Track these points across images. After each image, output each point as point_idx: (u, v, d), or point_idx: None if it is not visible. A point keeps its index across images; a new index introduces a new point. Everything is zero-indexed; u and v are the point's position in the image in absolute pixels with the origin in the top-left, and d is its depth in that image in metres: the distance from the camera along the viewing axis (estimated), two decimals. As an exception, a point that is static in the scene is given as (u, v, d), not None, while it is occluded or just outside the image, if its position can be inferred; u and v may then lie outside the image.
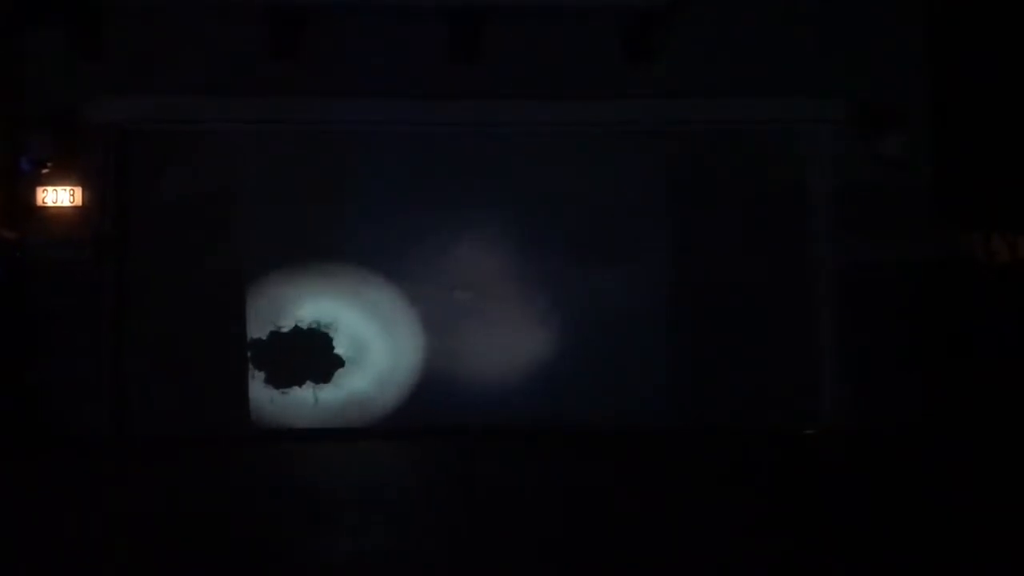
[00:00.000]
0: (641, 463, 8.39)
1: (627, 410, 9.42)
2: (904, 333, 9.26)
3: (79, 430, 8.99)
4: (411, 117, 9.44)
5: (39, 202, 9.18)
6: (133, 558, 5.84)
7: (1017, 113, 9.67)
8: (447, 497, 7.37)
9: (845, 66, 9.43)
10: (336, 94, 9.33)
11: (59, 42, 9.18)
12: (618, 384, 9.49)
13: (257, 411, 9.54)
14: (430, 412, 9.47)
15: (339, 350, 9.66)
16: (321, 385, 9.62)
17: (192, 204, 9.47)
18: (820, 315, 9.55)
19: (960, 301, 9.37)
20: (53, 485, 7.62)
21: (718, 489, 7.43)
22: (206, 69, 9.28)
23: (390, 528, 6.49)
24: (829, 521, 6.51)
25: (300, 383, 9.62)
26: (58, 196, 9.18)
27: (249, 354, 9.58)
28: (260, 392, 9.57)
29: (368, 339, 9.67)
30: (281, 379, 9.61)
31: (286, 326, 9.64)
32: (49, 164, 9.10)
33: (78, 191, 9.22)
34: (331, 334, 9.66)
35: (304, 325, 9.65)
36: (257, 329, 9.60)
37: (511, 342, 9.59)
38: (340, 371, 9.64)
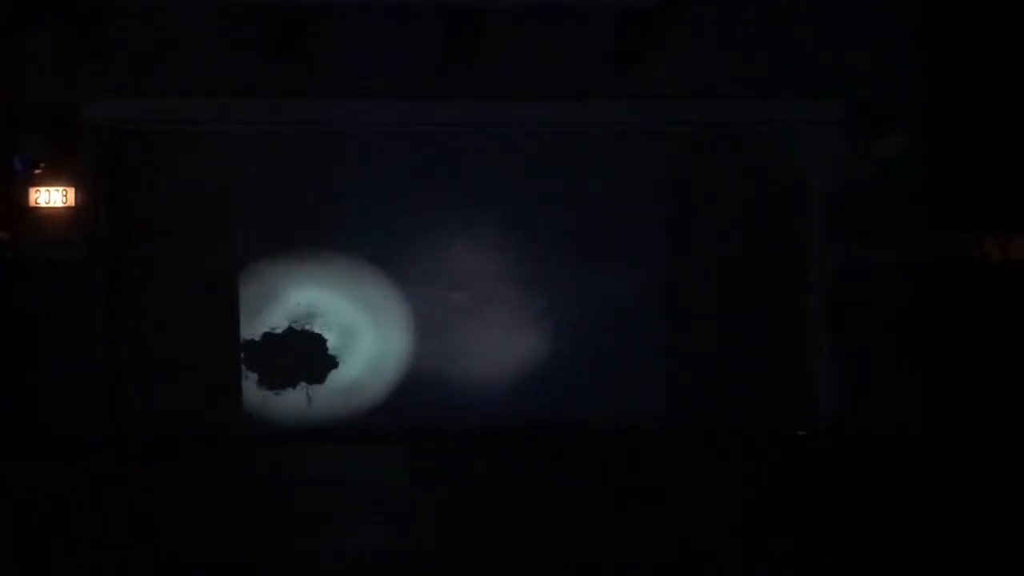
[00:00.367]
0: (638, 464, 8.40)
1: (624, 411, 9.42)
2: (901, 333, 9.30)
3: (74, 430, 8.96)
4: (409, 117, 9.43)
5: (32, 202, 9.12)
6: (128, 559, 5.82)
7: (1012, 115, 9.73)
8: (444, 498, 7.37)
9: (842, 68, 9.46)
10: (334, 94, 9.31)
11: (55, 42, 9.11)
12: (615, 385, 9.49)
13: (251, 412, 9.50)
14: (426, 413, 9.43)
15: (333, 351, 9.61)
16: (315, 386, 9.57)
17: (188, 204, 9.43)
18: (817, 316, 9.58)
19: (956, 302, 9.41)
20: (48, 486, 7.58)
21: (717, 490, 7.45)
22: (203, 69, 9.25)
23: (386, 529, 6.49)
24: (828, 522, 6.54)
25: (294, 384, 9.57)
26: (51, 196, 9.13)
27: (243, 355, 9.53)
28: (254, 393, 9.52)
29: (364, 340, 9.62)
30: (275, 380, 9.57)
31: (280, 327, 9.59)
32: (42, 164, 9.04)
33: (71, 191, 9.16)
34: (326, 335, 9.61)
35: (299, 326, 9.61)
36: (251, 330, 9.55)
37: (508, 343, 9.58)
38: (334, 372, 9.59)
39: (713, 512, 6.79)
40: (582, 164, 9.64)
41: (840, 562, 5.71)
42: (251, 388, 9.52)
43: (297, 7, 9.12)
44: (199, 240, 9.43)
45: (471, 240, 9.63)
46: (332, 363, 9.60)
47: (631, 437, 9.10)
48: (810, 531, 6.32)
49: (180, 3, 9.12)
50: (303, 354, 9.59)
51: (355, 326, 9.62)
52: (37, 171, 9.06)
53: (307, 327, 9.61)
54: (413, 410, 9.51)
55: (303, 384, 9.59)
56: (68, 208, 9.16)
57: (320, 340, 9.61)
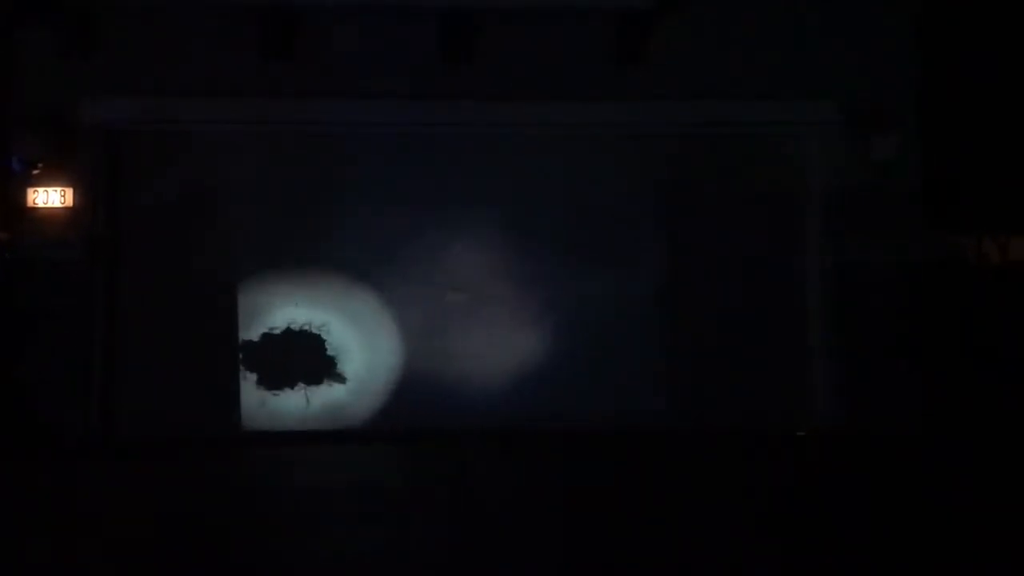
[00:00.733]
0: (638, 465, 8.39)
1: (624, 412, 9.40)
2: (898, 335, 9.30)
3: (70, 432, 8.94)
4: (408, 118, 9.41)
5: (30, 203, 9.12)
6: (123, 561, 5.81)
7: (1008, 116, 9.75)
8: (443, 500, 7.35)
9: (840, 68, 9.47)
10: (332, 94, 9.29)
11: (53, 42, 9.09)
12: (615, 385, 9.48)
13: (249, 413, 9.47)
14: (425, 413, 9.42)
15: (331, 351, 9.60)
16: (313, 387, 9.57)
17: (187, 205, 9.42)
18: (816, 316, 9.57)
19: (954, 303, 9.43)
20: (42, 487, 7.57)
21: (718, 490, 7.46)
22: (202, 69, 9.24)
23: (385, 530, 6.48)
24: (830, 523, 6.53)
25: (292, 385, 9.56)
26: (49, 197, 9.12)
27: (241, 355, 9.52)
28: (252, 394, 9.50)
29: (361, 340, 9.61)
30: (273, 381, 9.55)
31: (278, 327, 9.58)
32: (40, 165, 9.04)
33: (69, 192, 9.16)
34: (323, 335, 9.60)
35: (296, 326, 9.60)
36: (249, 330, 9.54)
37: (508, 343, 9.57)
38: (333, 372, 9.58)
39: (714, 513, 6.80)
40: (582, 164, 9.63)
41: (842, 563, 5.71)
42: (249, 389, 9.50)
43: (295, 7, 9.10)
44: (197, 240, 9.42)
45: (471, 240, 9.62)
46: (331, 363, 9.59)
47: (630, 438, 9.08)
48: (812, 532, 6.33)
49: (178, 3, 9.11)
50: (302, 355, 9.57)
51: (354, 326, 9.61)
52: (35, 171, 9.07)
53: (305, 328, 9.59)
54: (412, 410, 9.50)
55: (301, 385, 9.56)
56: (66, 208, 9.15)
57: (319, 340, 9.60)
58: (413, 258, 9.58)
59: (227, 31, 9.21)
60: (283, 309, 9.58)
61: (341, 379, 9.57)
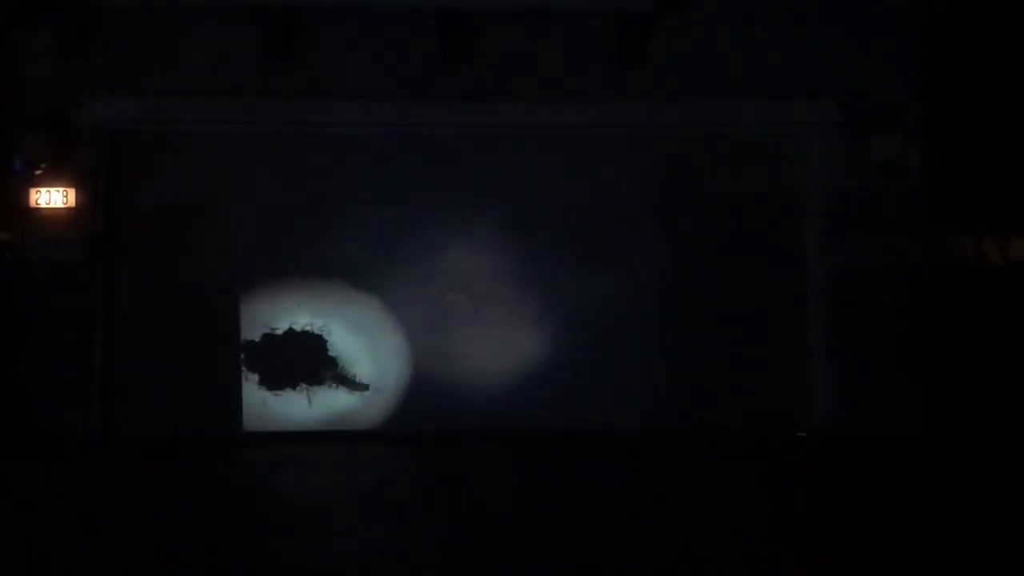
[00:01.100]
0: (637, 467, 8.39)
1: (622, 413, 9.42)
2: (898, 336, 9.30)
3: (70, 432, 8.97)
4: (408, 118, 9.43)
5: (32, 203, 9.14)
6: (125, 561, 5.82)
7: (1009, 116, 9.75)
8: (443, 501, 7.35)
9: (840, 69, 9.48)
10: (332, 95, 9.31)
11: (52, 43, 9.14)
12: (613, 386, 9.49)
13: (251, 413, 9.49)
14: (424, 415, 9.45)
15: (333, 352, 9.61)
16: (315, 387, 9.58)
17: (186, 205, 9.44)
18: (815, 316, 9.58)
19: (954, 304, 9.42)
20: (42, 487, 7.60)
21: (716, 492, 7.45)
22: (200, 70, 9.27)
23: (385, 532, 6.47)
24: (831, 525, 6.53)
25: (294, 385, 9.57)
26: (51, 197, 9.15)
27: (243, 356, 9.54)
28: (254, 394, 9.51)
29: (362, 341, 9.62)
30: (275, 381, 9.56)
31: (280, 328, 9.59)
32: (42, 165, 9.06)
33: (71, 192, 9.18)
34: (325, 336, 9.61)
35: (298, 327, 9.60)
36: (251, 331, 9.55)
37: (508, 344, 9.58)
38: (334, 373, 9.59)
39: (716, 515, 6.78)
40: (581, 165, 9.65)
41: (846, 564, 5.71)
42: (251, 389, 9.51)
43: (295, 7, 9.14)
44: (198, 240, 9.44)
45: (471, 241, 9.63)
46: (332, 364, 9.60)
47: (631, 438, 9.11)
48: (810, 534, 6.32)
49: (178, 4, 9.13)
50: (303, 355, 9.59)
51: (355, 327, 9.62)
52: (37, 172, 9.08)
53: (307, 328, 9.60)
54: (413, 411, 9.52)
55: (303, 385, 9.57)
56: (68, 209, 9.17)
57: (320, 341, 9.61)
58: (413, 258, 9.60)
59: (227, 31, 9.24)
60: (284, 309, 9.59)
61: (342, 380, 9.57)
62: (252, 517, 6.78)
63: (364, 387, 9.57)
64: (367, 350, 9.63)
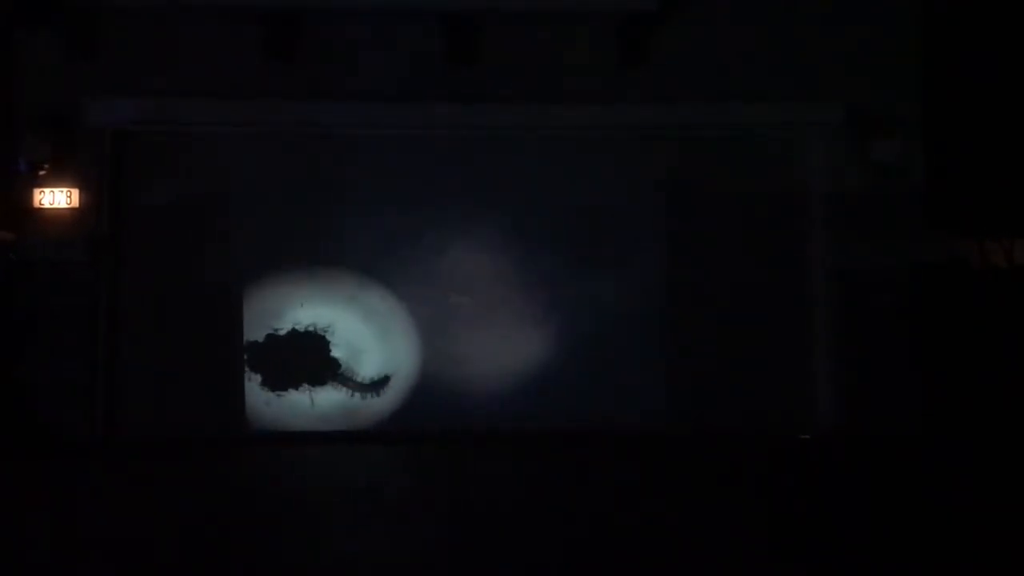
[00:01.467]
0: (639, 468, 8.38)
1: (623, 414, 9.42)
2: (900, 337, 9.29)
3: (73, 432, 8.97)
4: (410, 120, 9.46)
5: (36, 204, 9.17)
6: (125, 561, 5.82)
7: (1011, 119, 9.74)
8: (444, 501, 7.35)
9: (842, 70, 9.47)
10: (332, 96, 9.33)
11: (55, 44, 9.17)
12: (614, 388, 9.49)
13: (253, 414, 9.51)
14: (426, 416, 9.46)
15: (335, 353, 9.62)
16: (318, 388, 9.59)
17: (190, 205, 9.47)
18: (818, 318, 9.58)
19: (955, 305, 9.42)
20: (44, 488, 7.61)
21: (717, 494, 7.43)
22: (203, 71, 9.29)
23: (386, 534, 6.47)
24: (829, 526, 6.51)
25: (297, 386, 9.59)
26: (55, 198, 9.18)
27: (245, 356, 9.55)
28: (256, 394, 9.53)
29: (364, 342, 9.64)
30: (278, 382, 9.58)
31: (282, 328, 9.61)
32: (46, 166, 9.08)
33: (75, 193, 9.21)
34: (327, 337, 9.63)
35: (301, 328, 9.62)
36: (253, 331, 9.57)
37: (510, 345, 9.60)
38: (337, 374, 9.60)
39: (714, 516, 6.78)
40: (584, 166, 9.66)
41: (847, 566, 5.71)
42: (254, 390, 9.53)
43: (296, 9, 9.16)
44: (201, 241, 9.47)
45: (473, 243, 9.65)
46: (335, 365, 9.61)
47: (630, 440, 9.11)
48: (811, 536, 6.31)
49: (179, 5, 9.16)
50: (306, 356, 9.61)
51: (357, 328, 9.63)
52: (41, 172, 9.10)
53: (309, 329, 9.62)
54: (415, 411, 9.54)
55: (306, 386, 9.58)
56: (72, 209, 9.20)
57: (323, 342, 9.63)
58: (415, 259, 9.63)
59: (228, 32, 9.26)
60: (287, 310, 9.60)
61: (345, 380, 9.58)
62: (253, 518, 6.78)
63: (366, 387, 9.58)
64: (369, 351, 9.64)
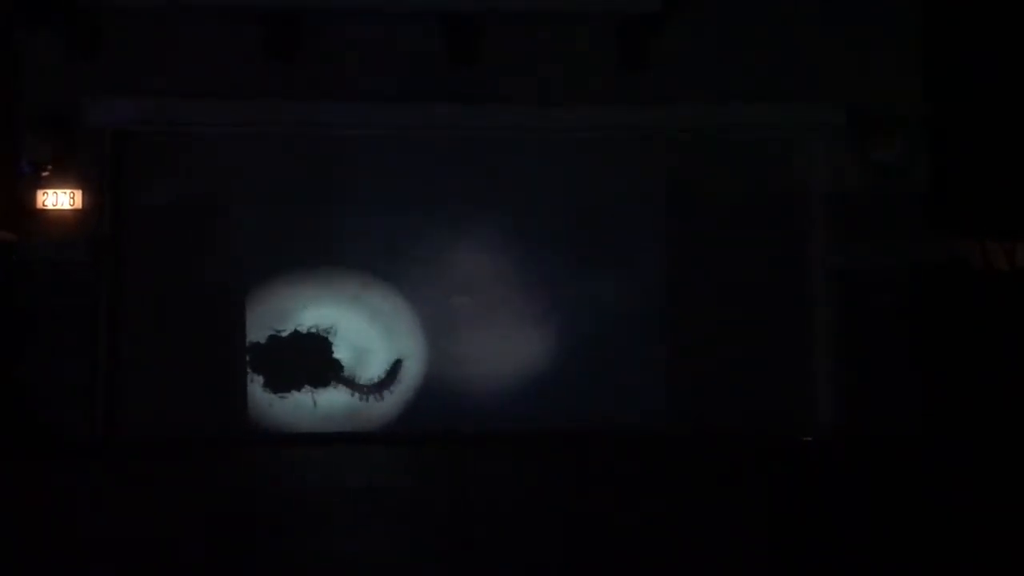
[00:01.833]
0: (639, 468, 8.37)
1: (624, 414, 9.42)
2: (901, 337, 9.29)
3: (74, 432, 8.99)
4: (411, 121, 9.46)
5: (39, 204, 9.20)
6: (125, 562, 5.82)
7: (1014, 119, 9.73)
8: (445, 502, 7.35)
9: (843, 71, 9.47)
10: (333, 96, 9.35)
11: (56, 44, 9.19)
12: (615, 388, 9.50)
13: (255, 415, 9.52)
14: (429, 416, 9.48)
15: (337, 354, 9.63)
16: (320, 389, 9.60)
17: (190, 206, 9.50)
18: (818, 319, 9.59)
19: (957, 306, 9.40)
20: (44, 488, 7.60)
21: (718, 494, 7.43)
22: (202, 71, 9.31)
23: (386, 534, 6.47)
24: (829, 526, 6.50)
25: (299, 387, 9.59)
26: (58, 199, 9.20)
27: (247, 357, 9.56)
28: (259, 396, 9.54)
29: (366, 343, 9.65)
30: (280, 383, 9.58)
31: (285, 330, 9.61)
32: (48, 167, 9.10)
33: (78, 194, 9.24)
34: (329, 338, 9.64)
35: (303, 329, 9.63)
36: (255, 332, 9.58)
37: (509, 347, 9.61)
38: (340, 375, 9.61)
39: (715, 517, 6.76)
40: (585, 166, 9.68)
41: (847, 567, 5.71)
42: (256, 391, 9.54)
43: (297, 9, 9.17)
44: (202, 241, 9.49)
45: (473, 244, 9.67)
46: (337, 366, 9.62)
47: (631, 441, 9.11)
48: (812, 537, 6.30)
49: (179, 5, 9.17)
50: (308, 357, 9.62)
51: (359, 329, 9.64)
52: (44, 173, 9.12)
53: (311, 330, 9.63)
54: (417, 412, 9.56)
55: (308, 387, 9.59)
56: (75, 210, 9.23)
57: (325, 343, 9.64)
58: (417, 260, 9.64)
59: (229, 33, 9.28)
60: (289, 311, 9.61)
61: (347, 381, 9.59)
62: (253, 518, 6.79)
63: (368, 389, 9.59)
64: (371, 352, 9.65)
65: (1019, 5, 9.59)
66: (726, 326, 9.51)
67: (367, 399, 9.60)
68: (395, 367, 9.63)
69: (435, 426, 9.39)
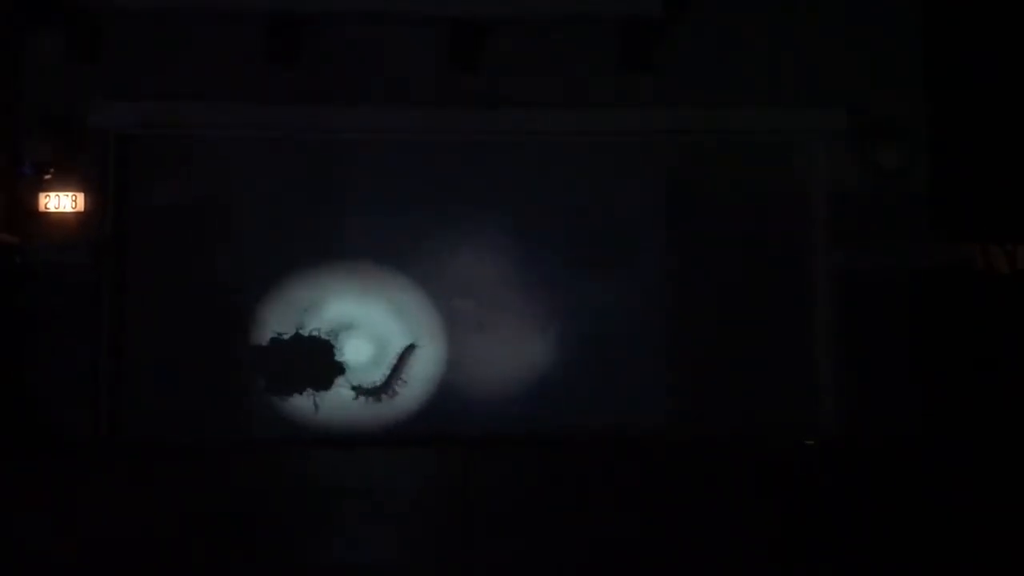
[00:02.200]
0: (641, 472, 8.34)
1: (627, 418, 9.40)
2: (903, 341, 9.30)
3: (76, 433, 9.00)
4: (414, 124, 9.50)
5: (41, 207, 9.23)
6: (126, 562, 5.82)
7: (1015, 123, 9.73)
8: (446, 505, 7.34)
9: (845, 76, 9.50)
10: (337, 101, 9.38)
11: (59, 47, 9.23)
12: (618, 392, 9.50)
13: (257, 417, 9.51)
14: (431, 419, 9.49)
15: (339, 357, 9.64)
16: (322, 392, 9.60)
17: (193, 209, 9.52)
18: (820, 322, 9.59)
19: (958, 308, 9.39)
20: (46, 488, 7.60)
21: (720, 496, 7.41)
22: (205, 75, 9.35)
23: (386, 535, 6.49)
24: (830, 527, 6.51)
25: (301, 390, 9.59)
26: (60, 201, 9.24)
27: (250, 360, 9.56)
28: (261, 398, 9.54)
29: (369, 346, 9.66)
30: (282, 386, 9.59)
31: (287, 333, 9.62)
32: (51, 169, 9.12)
33: (80, 196, 9.27)
34: (332, 341, 9.64)
35: (305, 332, 9.63)
36: (258, 335, 9.59)
37: (511, 349, 9.61)
38: (340, 378, 9.61)
39: (716, 519, 6.76)
40: (588, 170, 9.71)
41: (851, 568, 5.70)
42: (258, 393, 9.54)
43: (299, 13, 9.20)
44: (205, 244, 9.51)
45: (476, 247, 9.67)
46: (338, 369, 9.62)
47: (632, 445, 9.07)
48: (813, 538, 6.30)
49: (183, 9, 9.20)
50: (310, 359, 9.62)
51: (361, 332, 9.65)
52: (46, 176, 9.15)
53: (314, 333, 9.63)
54: (420, 415, 9.56)
55: (310, 390, 9.59)
56: (77, 213, 9.26)
57: (327, 346, 9.64)
58: (420, 263, 9.64)
59: (232, 36, 9.32)
60: (291, 314, 9.62)
61: (349, 384, 9.59)
62: (253, 519, 6.77)
63: (370, 392, 9.59)
64: (374, 355, 9.66)
65: (1019, 5, 9.58)
66: (727, 328, 9.53)
67: (368, 402, 9.60)
68: (396, 369, 9.62)
69: (438, 429, 9.39)
